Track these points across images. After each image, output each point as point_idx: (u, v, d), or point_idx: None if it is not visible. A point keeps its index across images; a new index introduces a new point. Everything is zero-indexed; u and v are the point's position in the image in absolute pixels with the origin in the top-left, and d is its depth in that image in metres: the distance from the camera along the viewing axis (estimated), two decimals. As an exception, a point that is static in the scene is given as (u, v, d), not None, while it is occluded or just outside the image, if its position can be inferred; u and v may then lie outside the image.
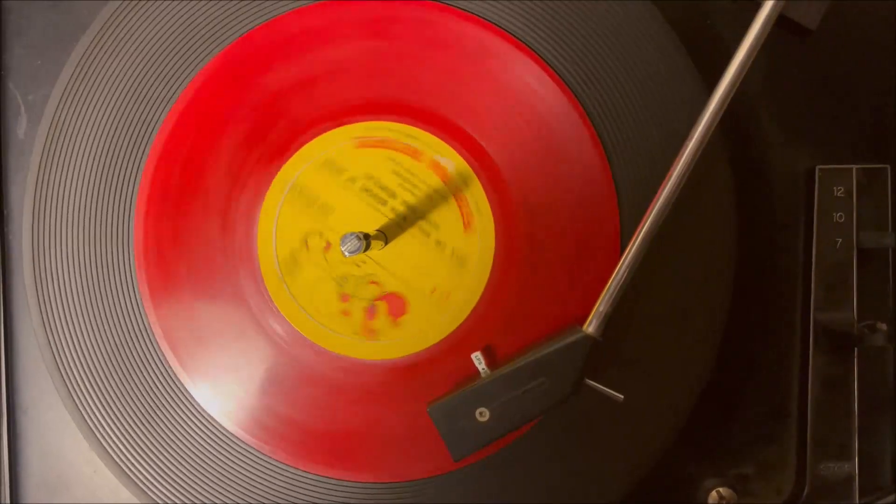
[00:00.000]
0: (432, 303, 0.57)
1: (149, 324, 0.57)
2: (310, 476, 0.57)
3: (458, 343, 0.57)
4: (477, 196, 0.56)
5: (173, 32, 0.57)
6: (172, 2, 0.57)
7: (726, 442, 0.62)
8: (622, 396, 0.54)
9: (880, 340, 0.57)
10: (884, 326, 0.58)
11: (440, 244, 0.57)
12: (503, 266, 0.57)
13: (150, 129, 0.57)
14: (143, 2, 0.57)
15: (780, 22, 0.51)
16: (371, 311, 0.57)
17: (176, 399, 0.57)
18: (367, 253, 0.56)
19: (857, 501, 0.60)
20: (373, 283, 0.57)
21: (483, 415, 0.54)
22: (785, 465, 0.62)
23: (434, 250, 0.57)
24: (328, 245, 0.57)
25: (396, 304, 0.57)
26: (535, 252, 0.57)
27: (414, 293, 0.57)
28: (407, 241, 0.57)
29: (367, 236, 0.51)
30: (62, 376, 0.57)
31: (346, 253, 0.51)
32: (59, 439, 0.62)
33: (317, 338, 0.57)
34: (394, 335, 0.57)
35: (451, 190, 0.56)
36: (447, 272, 0.57)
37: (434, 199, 0.56)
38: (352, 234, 0.51)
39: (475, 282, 0.57)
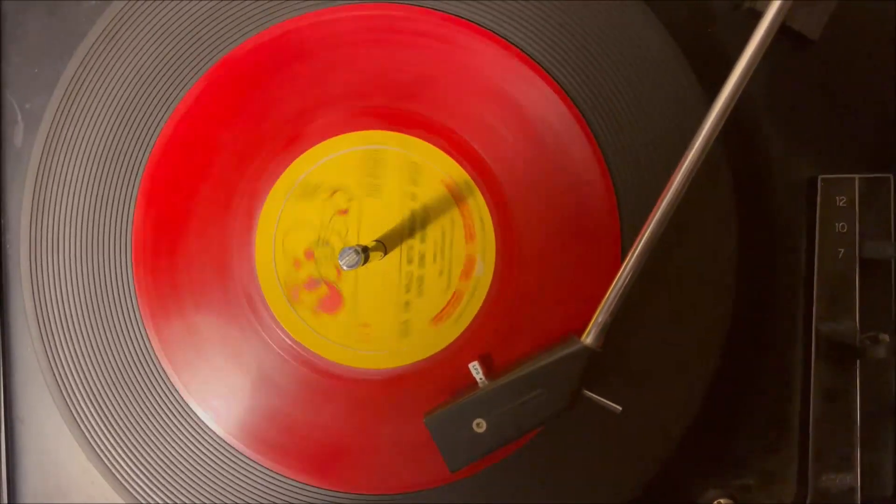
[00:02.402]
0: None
1: (146, 334, 0.57)
2: (309, 488, 0.57)
3: (456, 352, 0.57)
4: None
5: (171, 41, 0.57)
6: (170, 11, 0.57)
7: (728, 453, 0.62)
8: (620, 408, 0.54)
9: (882, 353, 0.57)
10: (886, 338, 0.57)
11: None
12: (503, 276, 0.56)
13: (148, 139, 0.57)
14: (141, 10, 0.57)
15: (781, 31, 0.51)
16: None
17: (172, 409, 0.57)
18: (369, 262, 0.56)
19: (859, 513, 0.60)
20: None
21: (480, 426, 0.54)
22: (786, 477, 0.62)
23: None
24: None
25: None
26: (535, 262, 0.56)
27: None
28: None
29: (365, 249, 0.51)
30: (59, 386, 0.57)
31: (345, 267, 0.50)
32: (56, 449, 0.62)
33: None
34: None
35: (446, 193, 0.56)
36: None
37: (431, 205, 0.56)
38: (349, 248, 0.51)
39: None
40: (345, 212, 0.56)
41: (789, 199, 0.61)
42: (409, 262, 0.56)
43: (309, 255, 0.56)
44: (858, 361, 0.60)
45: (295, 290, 0.57)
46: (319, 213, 0.56)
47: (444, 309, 0.56)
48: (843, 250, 0.60)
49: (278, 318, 0.57)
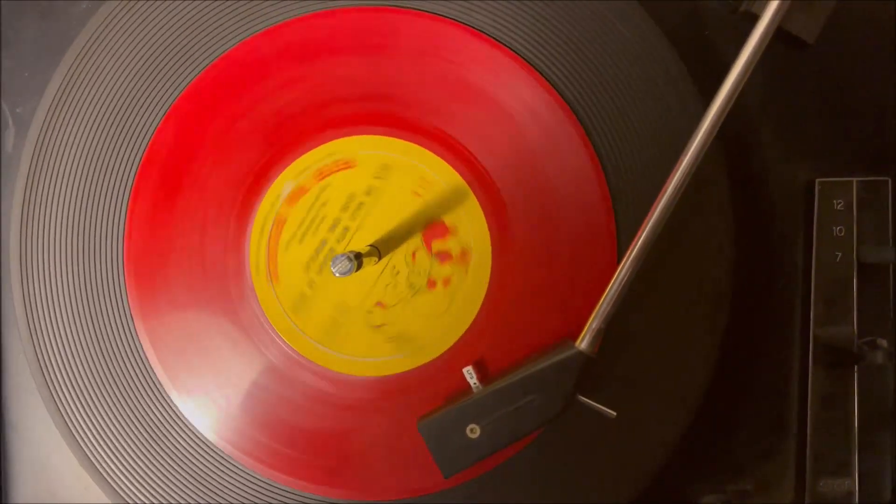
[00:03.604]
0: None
1: (138, 340, 0.57)
2: (303, 495, 0.57)
3: (451, 358, 0.56)
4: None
5: (162, 44, 0.57)
6: (161, 14, 0.57)
7: (725, 458, 0.62)
8: (615, 413, 0.54)
9: (880, 359, 0.56)
10: (884, 343, 0.57)
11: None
12: (498, 280, 0.56)
13: (139, 142, 0.57)
14: (131, 14, 0.57)
15: (778, 35, 0.50)
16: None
17: (166, 416, 0.57)
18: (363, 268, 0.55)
19: (857, 519, 0.60)
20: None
21: (474, 431, 0.53)
22: (784, 482, 0.62)
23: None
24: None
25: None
26: (530, 266, 0.56)
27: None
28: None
29: (357, 255, 0.51)
30: (51, 393, 0.57)
31: (338, 274, 0.50)
32: (49, 456, 0.62)
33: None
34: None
35: (440, 196, 0.56)
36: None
37: (423, 208, 0.56)
38: (342, 254, 0.50)
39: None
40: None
41: (786, 202, 0.61)
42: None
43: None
44: (856, 366, 0.59)
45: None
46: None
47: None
48: (840, 254, 0.60)
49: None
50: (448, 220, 0.56)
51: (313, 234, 0.56)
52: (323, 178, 0.56)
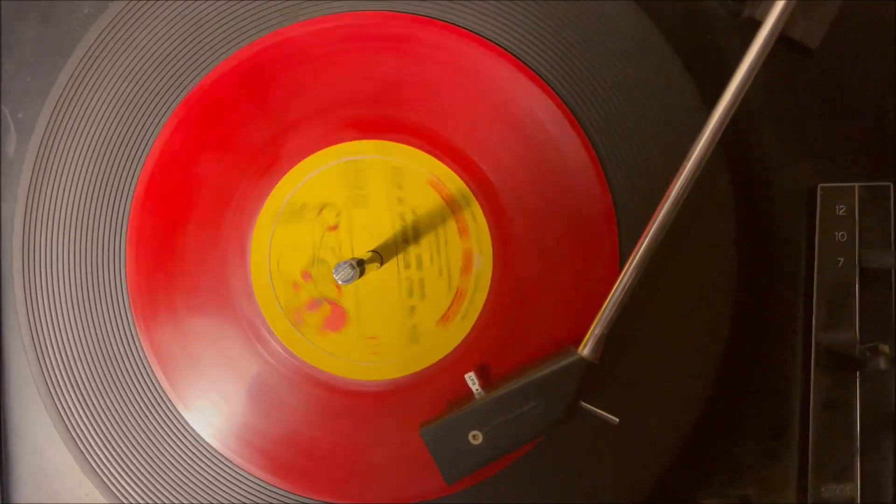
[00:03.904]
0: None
1: (140, 345, 0.57)
2: (303, 500, 0.57)
3: (453, 363, 0.56)
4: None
5: (165, 50, 0.57)
6: (164, 20, 0.56)
7: (727, 462, 0.62)
8: (617, 419, 0.54)
9: (882, 364, 0.56)
10: (886, 349, 0.57)
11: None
12: (500, 286, 0.56)
13: (141, 148, 0.57)
14: (135, 18, 0.56)
15: (781, 41, 0.50)
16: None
17: (168, 422, 0.57)
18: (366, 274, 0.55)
19: (859, 524, 0.60)
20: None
21: (476, 438, 0.53)
22: (786, 486, 0.62)
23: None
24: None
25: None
26: (532, 272, 0.56)
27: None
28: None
29: (360, 262, 0.51)
30: (53, 398, 0.57)
31: (341, 282, 0.50)
32: (51, 461, 0.61)
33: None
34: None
35: (442, 202, 0.56)
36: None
37: (425, 214, 0.56)
38: (344, 262, 0.50)
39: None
40: (335, 227, 0.56)
41: (789, 207, 0.61)
42: (407, 266, 0.56)
43: (306, 276, 0.56)
44: (858, 372, 0.59)
45: (298, 314, 0.56)
46: (310, 232, 0.56)
47: (449, 308, 0.56)
48: (842, 259, 0.60)
49: (284, 342, 0.56)
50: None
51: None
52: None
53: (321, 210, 0.56)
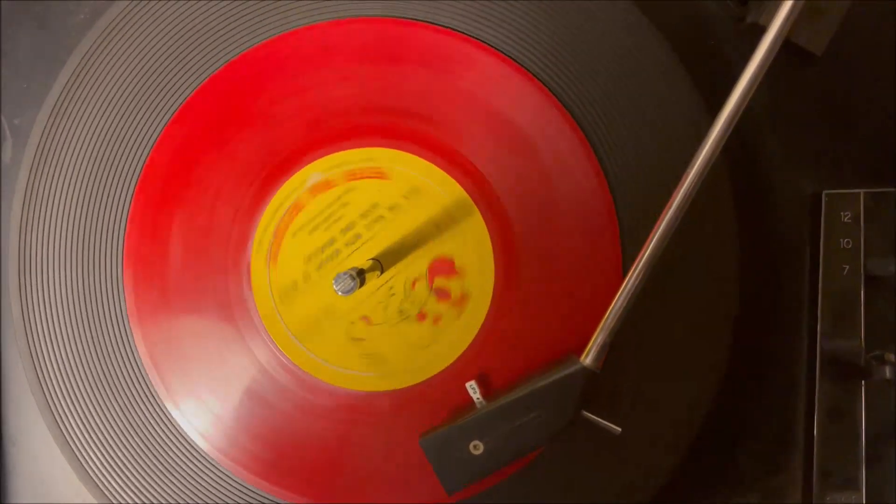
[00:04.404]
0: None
1: (137, 353, 0.56)
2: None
3: (455, 372, 0.56)
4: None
5: (161, 55, 0.56)
6: (160, 25, 0.56)
7: (732, 471, 0.61)
8: (619, 429, 0.53)
9: (888, 374, 0.56)
10: (892, 357, 0.57)
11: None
12: (502, 295, 0.56)
13: (138, 154, 0.57)
14: (133, 21, 0.56)
15: (785, 47, 0.50)
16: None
17: (166, 431, 0.57)
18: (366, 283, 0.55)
19: (864, 534, 0.59)
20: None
21: (477, 448, 0.53)
22: (791, 496, 0.61)
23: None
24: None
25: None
26: (534, 280, 0.56)
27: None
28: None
29: (360, 272, 0.50)
30: (49, 407, 0.57)
31: (341, 292, 0.50)
32: (48, 470, 0.61)
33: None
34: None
35: (442, 209, 0.56)
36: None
37: (425, 221, 0.56)
38: (344, 273, 0.50)
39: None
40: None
41: (793, 214, 0.61)
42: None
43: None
44: (863, 380, 0.59)
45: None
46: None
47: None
48: (847, 266, 0.59)
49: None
50: (458, 259, 0.56)
51: (325, 229, 0.56)
52: (352, 180, 0.56)
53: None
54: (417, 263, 0.56)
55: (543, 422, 0.53)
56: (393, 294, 0.56)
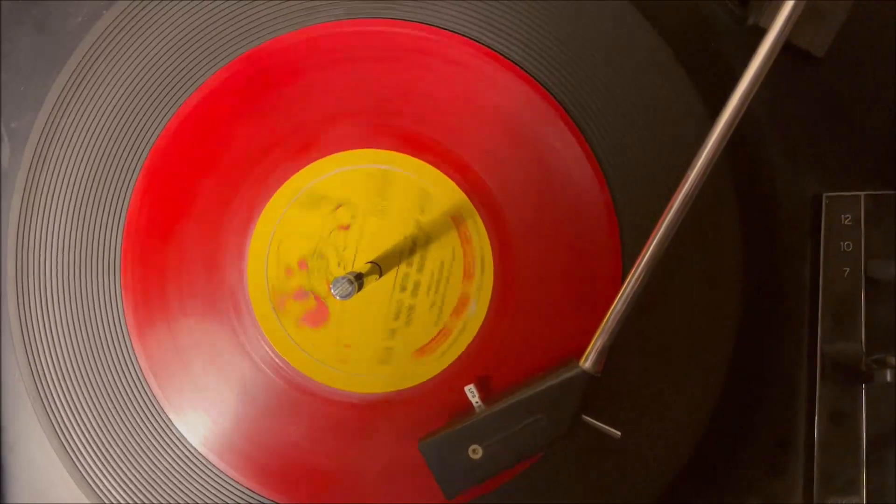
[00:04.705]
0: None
1: (135, 358, 0.56)
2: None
3: (454, 375, 0.56)
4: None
5: (160, 59, 0.56)
6: (158, 27, 0.56)
7: (733, 475, 0.61)
8: (619, 433, 0.53)
9: (889, 377, 0.56)
10: (893, 361, 0.56)
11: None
12: (501, 298, 0.55)
13: (136, 158, 0.56)
14: (130, 27, 0.56)
15: (786, 48, 0.50)
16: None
17: (163, 435, 0.57)
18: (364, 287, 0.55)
19: (866, 537, 0.59)
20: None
21: (476, 452, 0.53)
22: (792, 499, 0.61)
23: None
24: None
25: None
26: (534, 283, 0.55)
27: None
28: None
29: (358, 276, 0.50)
30: (47, 413, 0.56)
31: (338, 297, 0.49)
32: (46, 475, 0.61)
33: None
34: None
35: (442, 212, 0.55)
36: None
37: (426, 224, 0.55)
38: (342, 277, 0.50)
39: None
40: (346, 227, 0.56)
41: (794, 217, 0.60)
42: (403, 289, 0.56)
43: (302, 265, 0.56)
44: (864, 384, 0.59)
45: (282, 299, 0.56)
46: (320, 224, 0.56)
47: (428, 343, 0.56)
48: (848, 269, 0.59)
49: (260, 323, 0.56)
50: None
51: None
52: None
53: (338, 207, 0.55)
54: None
55: (543, 426, 0.53)
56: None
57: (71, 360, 0.56)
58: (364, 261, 0.55)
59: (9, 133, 0.60)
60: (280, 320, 0.56)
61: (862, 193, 0.59)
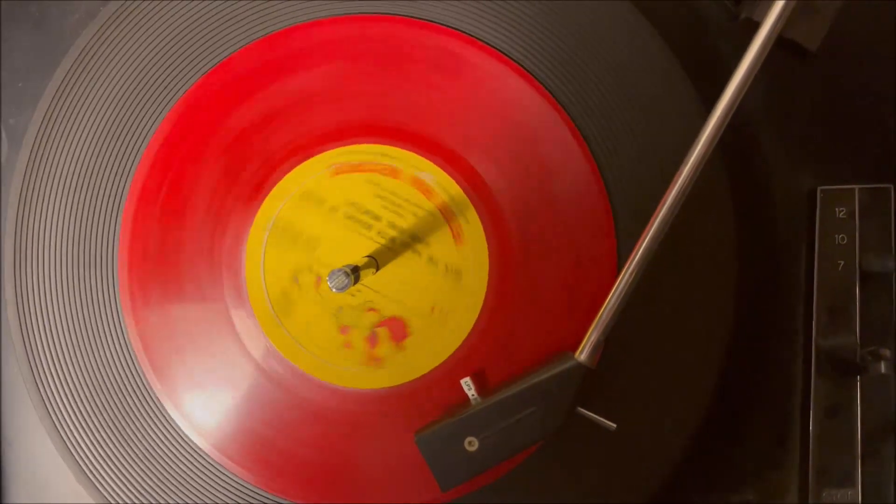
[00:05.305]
0: (433, 322, 0.56)
1: (134, 355, 0.56)
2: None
3: (450, 368, 0.56)
4: (465, 209, 0.56)
5: (157, 55, 0.56)
6: (155, 24, 0.56)
7: (728, 469, 0.61)
8: (614, 425, 0.53)
9: (884, 369, 0.56)
10: (887, 353, 0.56)
11: (432, 261, 0.56)
12: (497, 291, 0.56)
13: (133, 153, 0.56)
14: (127, 22, 0.56)
15: (780, 42, 0.50)
16: (373, 339, 0.56)
17: (163, 432, 0.57)
18: (361, 280, 0.55)
19: (861, 529, 0.59)
20: (370, 310, 0.56)
21: (472, 444, 0.53)
22: (788, 493, 0.61)
23: (427, 268, 0.56)
24: (318, 279, 0.56)
25: (397, 329, 0.56)
26: (529, 276, 0.56)
27: (414, 315, 0.56)
28: (399, 263, 0.56)
29: (355, 269, 0.50)
30: (46, 408, 0.56)
31: (335, 289, 0.49)
32: (45, 471, 0.61)
33: (319, 373, 0.56)
34: (399, 360, 0.56)
35: (436, 205, 0.55)
36: (444, 289, 0.56)
37: (421, 216, 0.56)
38: (338, 269, 0.50)
39: (473, 295, 0.56)
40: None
41: (788, 210, 0.60)
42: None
43: (344, 329, 0.56)
44: (859, 377, 0.59)
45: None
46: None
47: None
48: (842, 262, 0.59)
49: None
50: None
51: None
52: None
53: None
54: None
55: (539, 418, 0.53)
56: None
57: (70, 355, 0.56)
58: (358, 259, 0.56)
59: (7, 129, 0.61)
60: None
61: (856, 187, 0.59)
